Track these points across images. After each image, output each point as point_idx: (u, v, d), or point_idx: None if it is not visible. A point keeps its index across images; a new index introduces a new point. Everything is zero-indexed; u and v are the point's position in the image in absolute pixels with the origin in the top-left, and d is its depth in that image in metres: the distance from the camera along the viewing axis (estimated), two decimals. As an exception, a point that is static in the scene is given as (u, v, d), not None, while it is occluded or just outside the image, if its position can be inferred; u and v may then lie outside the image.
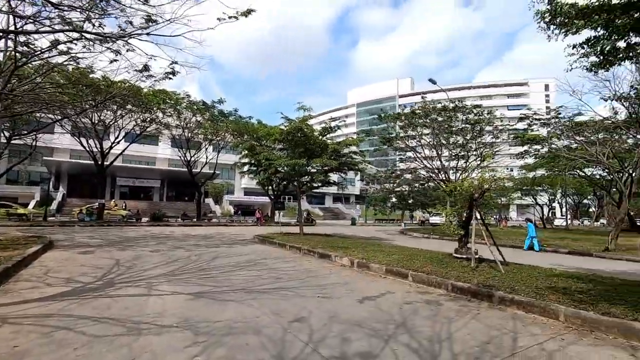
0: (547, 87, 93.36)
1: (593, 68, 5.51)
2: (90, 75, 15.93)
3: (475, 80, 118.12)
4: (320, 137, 15.04)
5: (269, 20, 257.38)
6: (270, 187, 31.67)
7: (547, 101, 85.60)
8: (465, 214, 8.46)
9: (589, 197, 56.28)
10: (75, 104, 12.81)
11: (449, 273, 7.07)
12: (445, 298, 5.98)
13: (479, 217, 8.05)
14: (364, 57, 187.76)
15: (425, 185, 29.37)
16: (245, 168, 25.69)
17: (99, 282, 6.38)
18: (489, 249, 7.69)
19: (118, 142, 25.23)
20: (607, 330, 4.35)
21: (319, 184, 16.88)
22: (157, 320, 4.38)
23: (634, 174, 13.90)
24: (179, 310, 4.82)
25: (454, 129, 19.91)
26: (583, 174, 27.59)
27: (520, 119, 19.84)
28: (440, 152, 21.07)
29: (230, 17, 7.78)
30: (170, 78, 12.52)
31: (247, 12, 7.90)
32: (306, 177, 16.35)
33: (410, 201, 41.92)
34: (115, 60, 11.32)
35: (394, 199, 42.89)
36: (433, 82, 22.08)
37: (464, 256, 8.35)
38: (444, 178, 21.09)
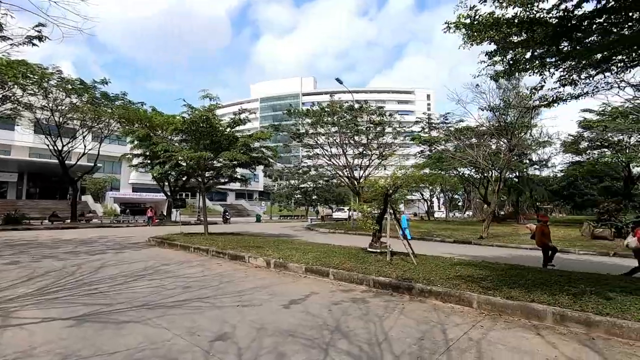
0: (428, 96, 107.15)
1: (497, 76, 6.13)
2: None
3: (369, 86, 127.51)
4: (229, 129, 13.96)
5: (164, 2, 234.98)
6: (166, 183, 28.57)
7: (429, 109, 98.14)
8: (379, 209, 8.74)
9: (458, 193, 66.51)
10: None
11: (368, 268, 7.14)
12: (370, 294, 5.98)
13: (392, 212, 8.37)
14: (266, 52, 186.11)
15: (329, 181, 30.38)
16: (137, 160, 22.57)
17: None
18: (402, 242, 8.07)
19: (-48, 123, 19.37)
20: (512, 313, 4.83)
21: (226, 180, 15.74)
22: (22, 364, 3.20)
23: (501, 174, 16.76)
24: (56, 344, 3.65)
25: (359, 127, 20.97)
26: (457, 173, 32.18)
27: (416, 122, 22.12)
28: (345, 150, 21.96)
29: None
30: (34, 44, 9.98)
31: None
32: (211, 171, 15.05)
33: (314, 197, 43.01)
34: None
35: (298, 195, 43.41)
36: (340, 81, 22.81)
37: (378, 250, 8.62)
38: (349, 175, 22.10)
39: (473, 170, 32.09)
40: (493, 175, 28.82)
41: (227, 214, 29.89)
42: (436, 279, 6.23)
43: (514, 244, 15.03)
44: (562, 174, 34.40)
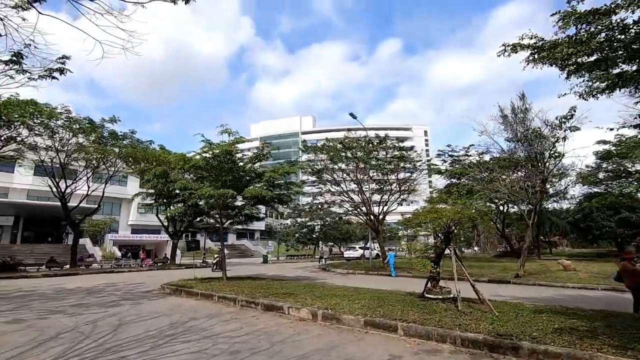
0: (426, 132, 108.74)
1: (588, 94, 5.46)
2: None
3: (365, 124, 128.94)
4: (250, 164, 13.20)
5: (163, 50, 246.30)
6: (170, 223, 27.26)
7: (427, 144, 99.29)
8: (437, 248, 7.75)
9: (463, 228, 64.95)
10: None
11: (443, 321, 6.03)
12: (465, 357, 4.85)
13: (454, 250, 7.39)
14: (262, 95, 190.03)
15: (341, 218, 29.23)
16: (150, 199, 21.56)
17: None
18: (472, 286, 7.00)
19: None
20: (675, 383, 3.76)
21: (244, 218, 14.71)
22: None
23: (536, 207, 15.94)
24: None
25: (380, 162, 20.33)
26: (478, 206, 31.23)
27: (437, 155, 21.63)
28: (362, 186, 21.14)
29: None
30: (54, 77, 9.35)
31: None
32: (230, 210, 14.05)
33: (320, 235, 41.45)
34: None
35: (304, 233, 41.89)
36: (354, 116, 22.51)
37: (440, 296, 7.51)
38: (367, 212, 21.10)
39: (483, 204, 31.25)
40: (508, 208, 27.87)
41: (216, 257, 21.45)
42: (539, 334, 5.14)
43: (558, 283, 13.81)
44: (578, 206, 33.54)
